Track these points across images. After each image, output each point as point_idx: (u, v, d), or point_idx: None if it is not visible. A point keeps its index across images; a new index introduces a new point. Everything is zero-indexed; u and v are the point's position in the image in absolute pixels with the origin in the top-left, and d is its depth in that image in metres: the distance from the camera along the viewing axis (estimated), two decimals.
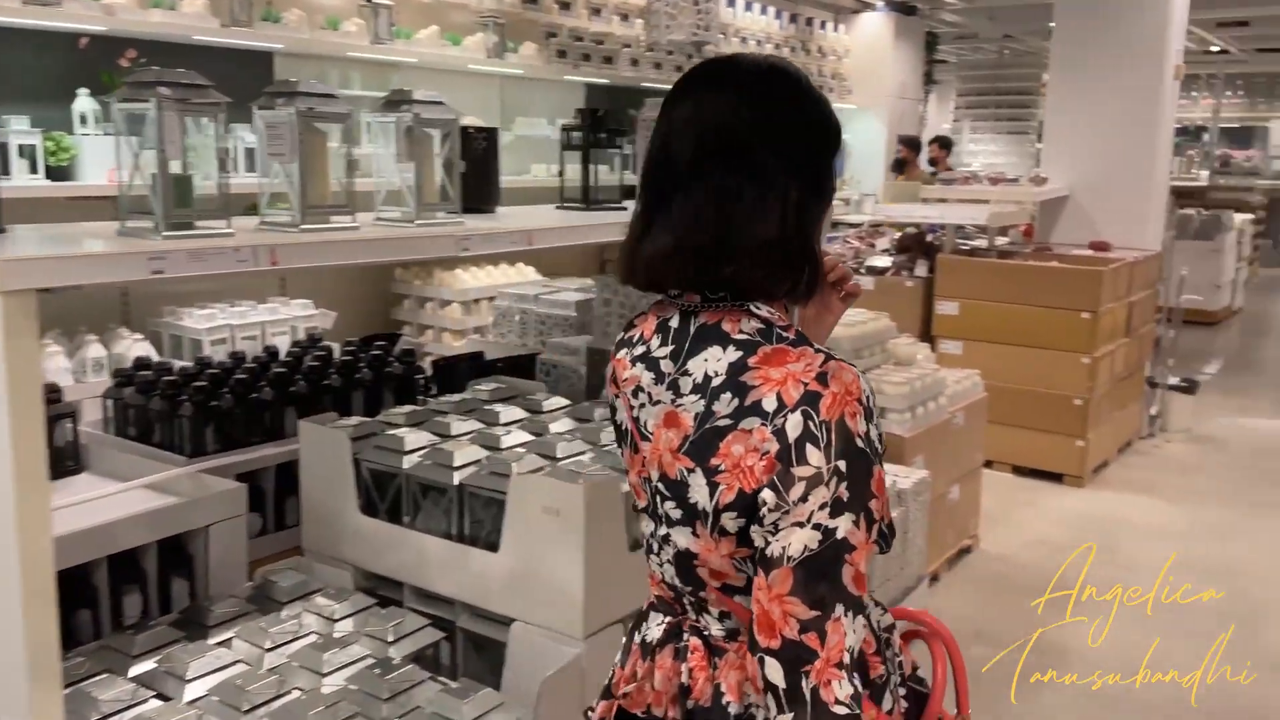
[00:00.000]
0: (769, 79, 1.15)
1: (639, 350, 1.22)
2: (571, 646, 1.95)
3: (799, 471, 1.04)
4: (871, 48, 10.28)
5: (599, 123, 2.92)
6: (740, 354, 1.12)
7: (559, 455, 2.16)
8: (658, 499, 1.18)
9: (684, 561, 1.17)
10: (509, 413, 2.43)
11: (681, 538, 1.15)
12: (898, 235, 6.07)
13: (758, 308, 1.14)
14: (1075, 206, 6.24)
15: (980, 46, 15.13)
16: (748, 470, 1.07)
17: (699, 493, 1.11)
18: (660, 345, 1.19)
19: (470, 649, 2.13)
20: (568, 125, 2.93)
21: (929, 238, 6.04)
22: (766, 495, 1.05)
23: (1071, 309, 5.23)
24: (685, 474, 1.12)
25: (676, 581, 1.20)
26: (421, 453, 2.21)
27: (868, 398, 1.10)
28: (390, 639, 1.99)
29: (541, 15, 6.48)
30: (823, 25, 9.77)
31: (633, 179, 3.22)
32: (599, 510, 1.96)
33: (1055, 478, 5.38)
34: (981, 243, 6.25)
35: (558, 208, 2.96)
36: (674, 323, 1.19)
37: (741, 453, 1.07)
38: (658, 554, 1.22)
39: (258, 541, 2.52)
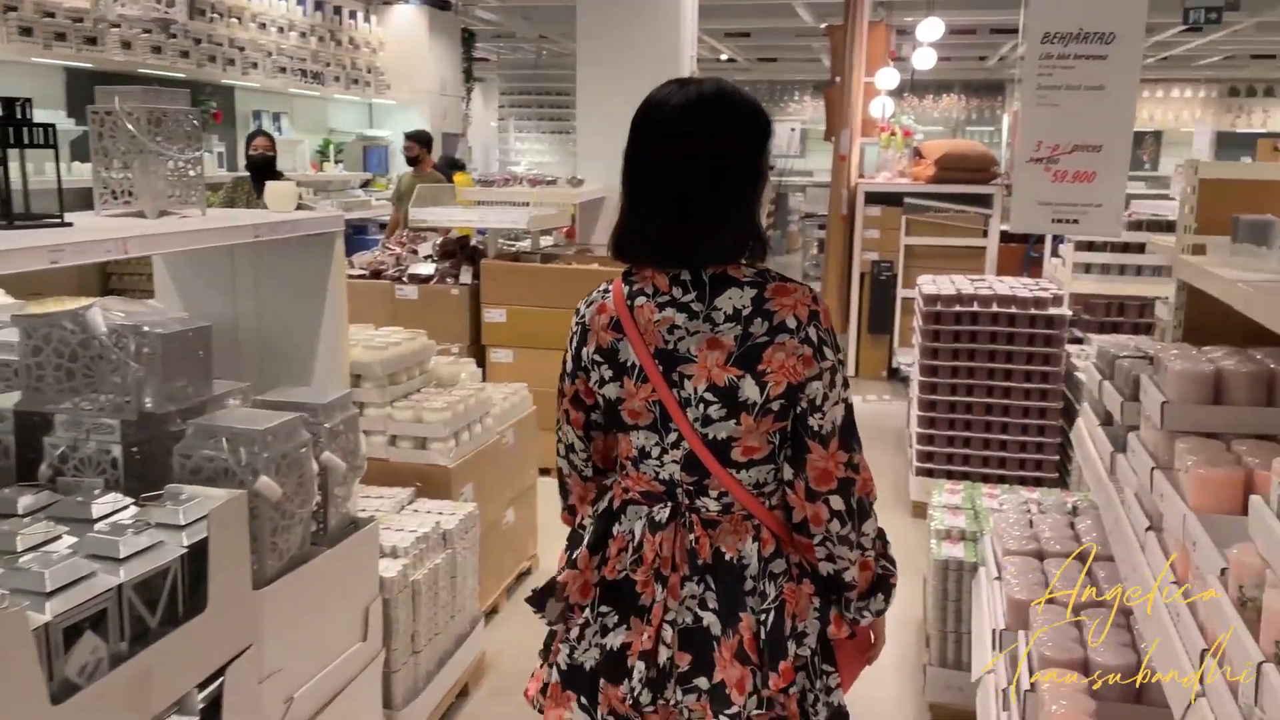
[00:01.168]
0: (729, 100, 1.55)
1: (664, 299, 1.57)
2: None
3: (824, 365, 1.52)
4: (406, 41, 9.90)
5: (17, 115, 2.24)
6: (756, 291, 1.53)
7: None
8: (695, 407, 1.55)
9: (695, 459, 1.57)
10: None
11: (722, 431, 1.55)
12: (439, 240, 5.76)
13: (742, 261, 1.57)
14: (612, 208, 6.33)
15: (519, 46, 15.38)
16: (791, 369, 1.51)
17: (750, 391, 1.52)
18: (684, 294, 1.56)
19: None
20: None
21: (473, 242, 5.80)
22: (815, 386, 1.52)
23: None
24: (735, 380, 1.52)
25: (679, 475, 1.59)
26: None
27: None
28: None
29: None
30: (353, 16, 9.21)
31: (86, 183, 2.58)
32: None
33: None
34: (526, 245, 6.14)
35: None
36: (686, 277, 1.56)
37: (783, 358, 1.50)
38: (658, 458, 1.60)
39: None
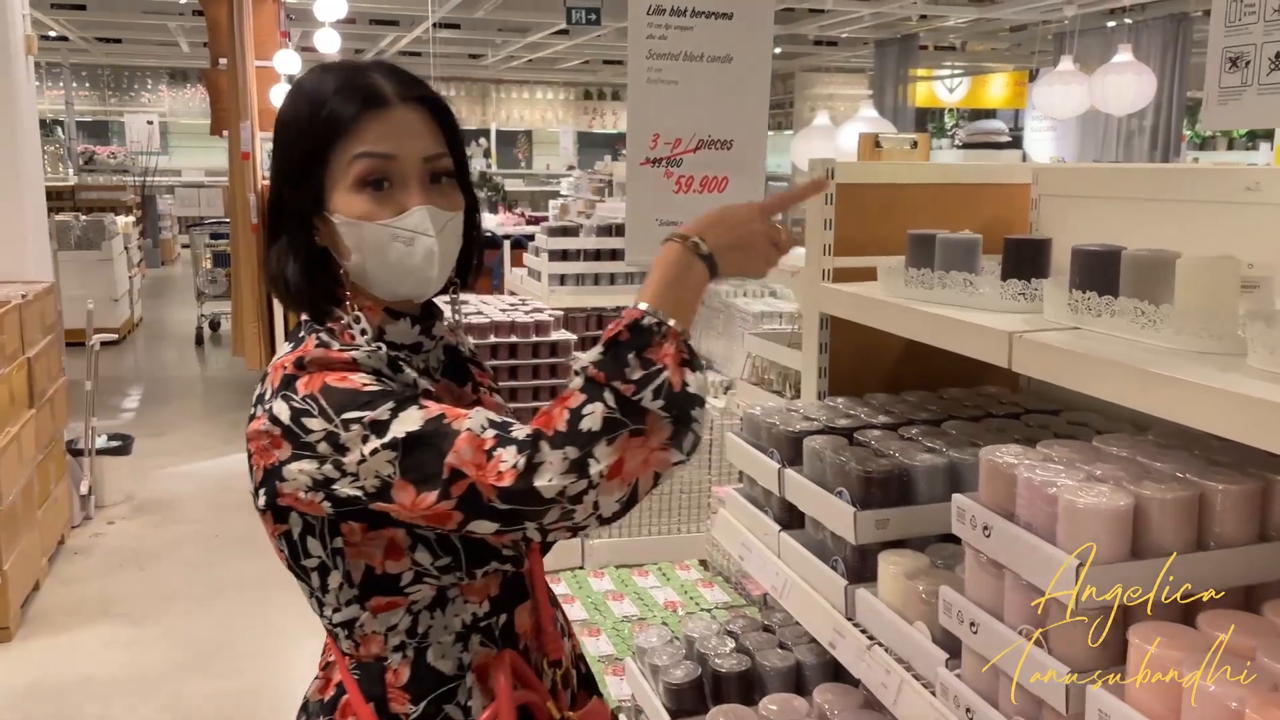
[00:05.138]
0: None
1: None
2: None
3: (310, 439, 1.11)
4: None
5: None
6: (290, 348, 1.20)
7: None
8: None
9: None
10: None
11: None
12: None
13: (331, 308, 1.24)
14: None
15: None
16: (264, 450, 1.14)
17: (249, 476, 1.19)
18: None
19: None
20: None
21: None
22: (299, 469, 1.12)
23: None
24: (246, 461, 1.20)
25: None
26: None
27: (359, 360, 1.15)
28: None
29: None
30: None
31: None
32: None
33: None
34: None
35: None
36: None
37: (256, 433, 1.15)
38: None
39: None
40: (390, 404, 1.10)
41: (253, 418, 1.17)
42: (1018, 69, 15.18)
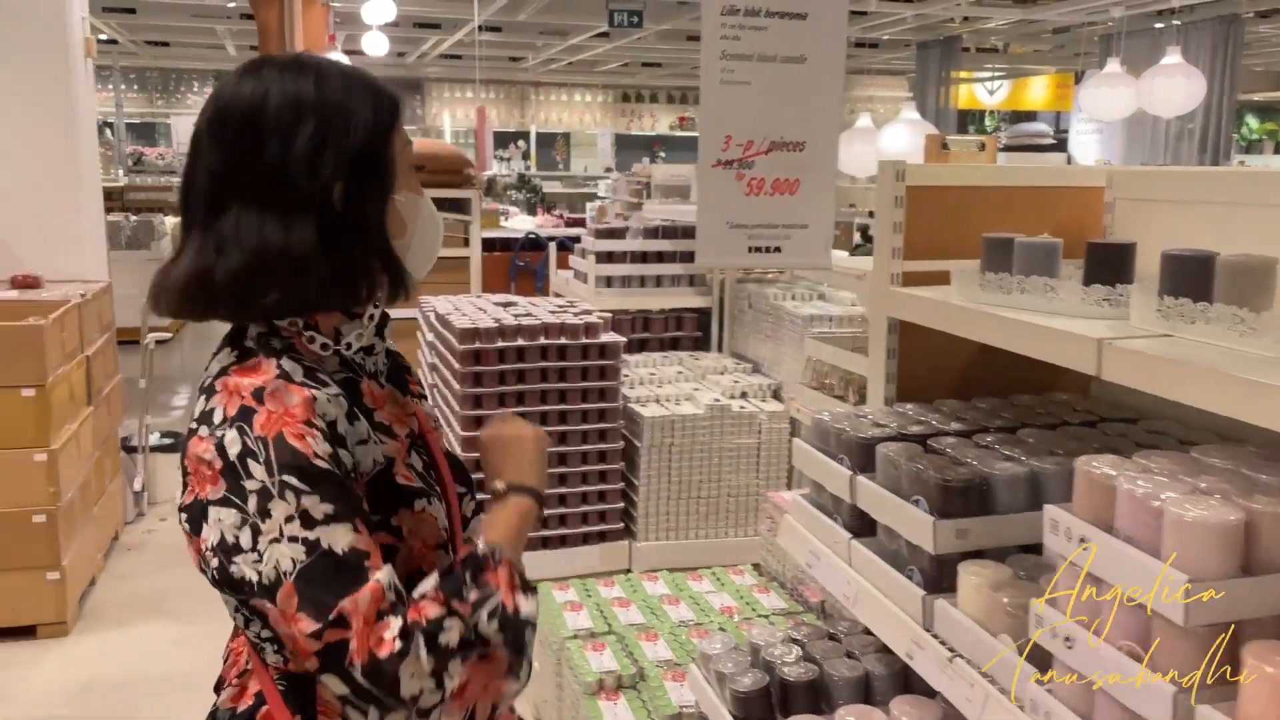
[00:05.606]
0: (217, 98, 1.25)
1: None
2: None
3: (249, 485, 1.08)
4: None
5: None
6: (235, 357, 1.20)
7: None
8: None
9: None
10: None
11: None
12: None
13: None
14: None
15: None
16: (203, 477, 1.10)
17: (181, 492, 1.15)
18: None
19: None
20: None
21: None
22: (224, 514, 1.08)
23: (8, 386, 3.50)
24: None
25: None
26: None
27: (327, 420, 1.13)
28: None
29: None
30: None
31: None
32: None
33: (26, 633, 3.65)
34: None
35: None
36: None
37: (196, 459, 1.11)
38: None
39: None
40: (330, 506, 1.08)
41: (192, 433, 1.14)
42: (1060, 71, 15.00)
